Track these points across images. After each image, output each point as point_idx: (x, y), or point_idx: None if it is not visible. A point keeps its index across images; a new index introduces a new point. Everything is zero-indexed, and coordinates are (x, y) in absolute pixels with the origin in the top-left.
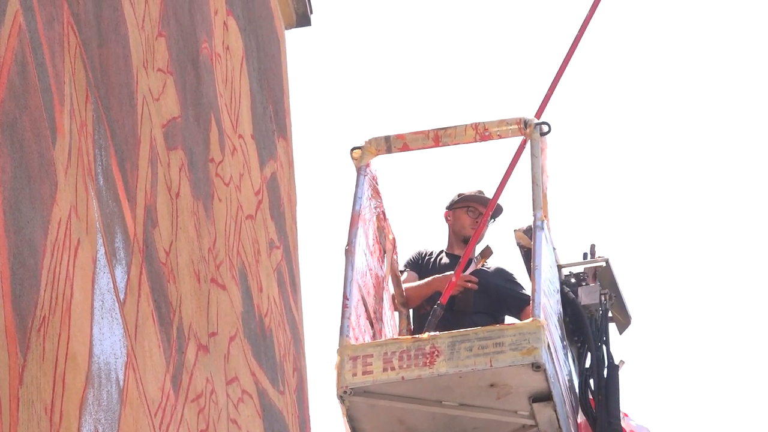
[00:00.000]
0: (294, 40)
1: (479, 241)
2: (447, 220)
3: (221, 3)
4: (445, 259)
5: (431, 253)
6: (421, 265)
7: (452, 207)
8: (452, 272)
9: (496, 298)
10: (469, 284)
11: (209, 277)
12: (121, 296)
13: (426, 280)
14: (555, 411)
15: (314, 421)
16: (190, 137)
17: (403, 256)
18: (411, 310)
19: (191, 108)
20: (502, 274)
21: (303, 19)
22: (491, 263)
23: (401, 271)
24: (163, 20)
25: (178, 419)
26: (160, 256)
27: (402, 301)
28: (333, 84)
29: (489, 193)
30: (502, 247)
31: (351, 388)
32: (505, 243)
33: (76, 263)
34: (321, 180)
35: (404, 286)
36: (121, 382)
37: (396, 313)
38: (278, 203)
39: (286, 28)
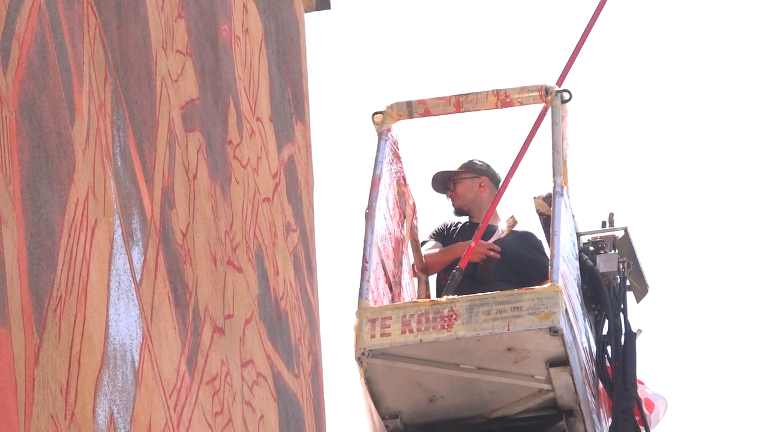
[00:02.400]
0: (313, 23)
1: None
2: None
3: None
4: (470, 229)
5: (456, 224)
6: (445, 236)
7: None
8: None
9: (519, 268)
10: (492, 253)
11: (226, 259)
12: (138, 277)
13: (447, 247)
14: (572, 376)
15: (329, 404)
16: (209, 119)
17: (428, 226)
18: (431, 278)
19: (210, 90)
20: (528, 242)
21: (322, 2)
22: (520, 228)
23: (425, 241)
24: (183, 2)
25: (193, 401)
26: (177, 238)
27: (421, 267)
28: (352, 68)
29: (506, 164)
30: (522, 215)
31: (369, 350)
32: (525, 211)
33: (93, 244)
34: (339, 164)
35: (425, 252)
36: (137, 363)
37: (415, 279)
38: (295, 186)
39: (305, 11)
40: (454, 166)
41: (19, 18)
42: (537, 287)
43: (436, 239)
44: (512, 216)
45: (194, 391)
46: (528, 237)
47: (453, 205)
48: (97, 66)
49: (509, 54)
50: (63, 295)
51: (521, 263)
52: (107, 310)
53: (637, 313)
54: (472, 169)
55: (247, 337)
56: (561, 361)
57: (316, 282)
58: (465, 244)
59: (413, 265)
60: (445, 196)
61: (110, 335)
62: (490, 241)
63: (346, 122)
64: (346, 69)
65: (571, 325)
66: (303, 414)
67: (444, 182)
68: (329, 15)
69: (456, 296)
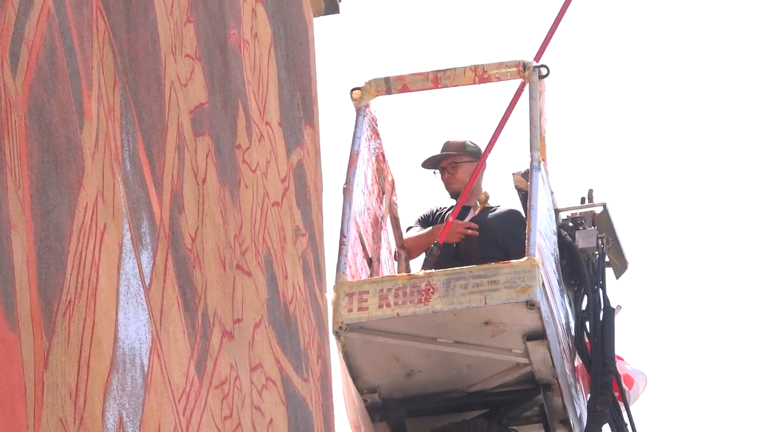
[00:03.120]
0: (322, 27)
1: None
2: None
3: None
4: (448, 212)
5: (441, 209)
6: (431, 222)
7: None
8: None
9: (503, 245)
10: (469, 231)
11: (235, 263)
12: (147, 281)
13: (427, 229)
14: (549, 350)
15: (338, 408)
16: (218, 123)
17: (407, 203)
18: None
19: (219, 94)
20: (510, 220)
21: (331, 6)
22: (504, 206)
23: (410, 227)
24: (192, 6)
25: (202, 405)
26: (186, 242)
27: (401, 244)
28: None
29: (482, 140)
30: (501, 191)
31: (346, 324)
32: (504, 188)
33: (102, 248)
34: None
35: (406, 236)
36: (146, 368)
37: (394, 255)
38: (304, 191)
39: (314, 16)
40: (442, 147)
41: (28, 22)
42: (514, 261)
43: (421, 225)
44: (484, 192)
45: (203, 396)
46: (512, 214)
47: (449, 188)
48: (106, 70)
49: (487, 30)
50: (72, 299)
51: (505, 241)
52: (116, 315)
53: (616, 289)
54: (471, 153)
55: (256, 341)
56: (538, 335)
57: (325, 286)
58: (443, 225)
59: (394, 246)
60: (434, 174)
61: (119, 339)
62: (466, 219)
63: (422, 192)
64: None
65: (548, 299)
66: (312, 418)
67: (437, 163)
68: (338, 19)
69: (433, 270)
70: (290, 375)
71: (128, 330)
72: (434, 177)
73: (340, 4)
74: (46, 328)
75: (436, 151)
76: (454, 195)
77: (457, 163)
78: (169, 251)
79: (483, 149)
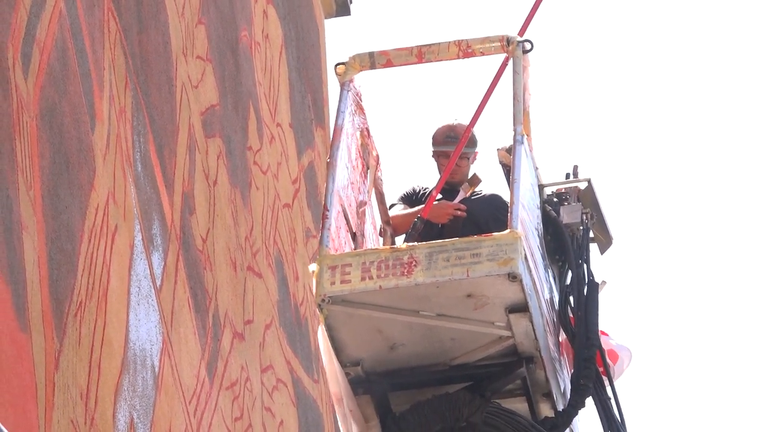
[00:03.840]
0: (333, 29)
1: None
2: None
3: None
4: (438, 194)
5: (425, 188)
6: (414, 200)
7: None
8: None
9: (486, 228)
10: (458, 212)
11: (246, 264)
12: (158, 283)
13: (414, 208)
14: (531, 322)
15: None
16: (229, 125)
17: (392, 178)
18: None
19: (230, 96)
20: (493, 203)
21: (342, 8)
22: (487, 190)
23: (393, 204)
24: (203, 7)
25: (213, 406)
26: (197, 244)
27: (386, 220)
28: (412, 113)
29: (466, 119)
30: (486, 167)
31: (329, 297)
32: (489, 164)
33: (114, 249)
34: None
35: (391, 214)
36: (157, 369)
37: (379, 230)
38: (315, 192)
39: (325, 17)
40: (452, 132)
41: (39, 24)
42: (496, 234)
43: (404, 203)
44: (474, 174)
45: (214, 397)
46: (494, 198)
47: (454, 177)
48: (118, 72)
49: (472, 5)
50: (83, 300)
51: (488, 224)
52: (127, 316)
53: (601, 265)
54: (476, 145)
55: (267, 342)
56: (520, 308)
57: None
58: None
59: (380, 222)
60: (440, 154)
61: (130, 340)
62: (456, 200)
63: (407, 168)
64: (406, 111)
65: (530, 272)
66: (323, 420)
67: (446, 142)
68: (349, 21)
69: (416, 243)
70: (301, 376)
71: (139, 331)
72: (431, 155)
73: (351, 6)
74: (57, 329)
75: (441, 123)
76: (451, 183)
77: (468, 156)
78: (180, 252)
79: (465, 122)
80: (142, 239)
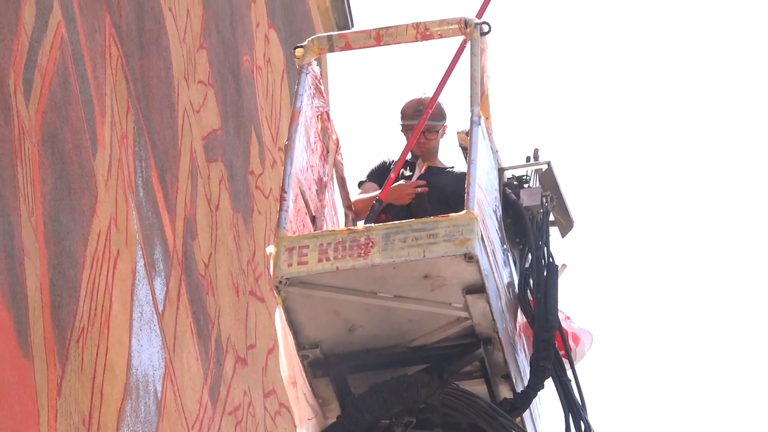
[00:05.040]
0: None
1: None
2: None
3: (263, 15)
4: (407, 172)
5: (393, 161)
6: (382, 178)
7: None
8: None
9: (453, 206)
10: (419, 189)
11: (248, 289)
12: (160, 308)
13: (375, 192)
14: (488, 303)
15: None
16: (231, 150)
17: (352, 161)
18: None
19: (232, 120)
20: (462, 181)
21: (344, 31)
22: (458, 167)
23: (362, 181)
24: (205, 32)
25: (216, 431)
26: (199, 268)
27: (347, 204)
28: (372, 97)
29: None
30: (447, 150)
31: (286, 278)
32: (448, 146)
33: (116, 274)
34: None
35: (353, 198)
36: (159, 394)
37: (340, 213)
38: None
39: None
40: (420, 105)
41: (41, 49)
42: (453, 215)
43: (372, 179)
44: (463, 130)
45: (217, 422)
46: (463, 176)
47: (418, 150)
48: (119, 97)
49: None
50: (85, 326)
51: (456, 201)
52: (130, 341)
53: (562, 248)
54: (445, 118)
55: (269, 367)
56: (477, 288)
57: None
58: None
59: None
60: (402, 126)
61: (133, 366)
62: (413, 178)
63: (369, 152)
64: (368, 96)
65: (487, 254)
66: None
67: (414, 115)
68: None
69: (373, 224)
70: None
71: (141, 356)
72: (399, 126)
73: (352, 29)
74: (59, 354)
75: (410, 97)
76: (415, 157)
77: (438, 130)
78: (182, 277)
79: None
80: (144, 264)
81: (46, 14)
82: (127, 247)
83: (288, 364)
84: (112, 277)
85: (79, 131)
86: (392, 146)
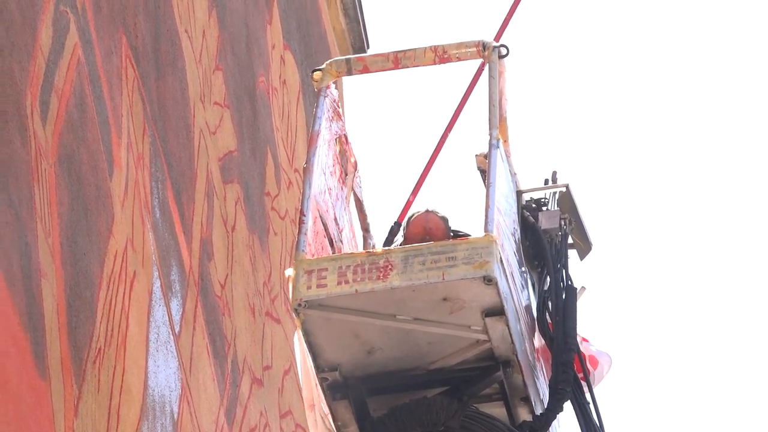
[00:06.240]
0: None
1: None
2: None
3: (278, 37)
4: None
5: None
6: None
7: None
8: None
9: None
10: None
11: (264, 310)
12: (177, 329)
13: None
14: (508, 326)
15: None
16: (247, 171)
17: (379, 195)
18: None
19: (248, 142)
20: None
21: (359, 53)
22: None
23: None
24: (221, 54)
25: None
26: (216, 289)
27: (365, 227)
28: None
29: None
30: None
31: (305, 301)
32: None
33: (132, 295)
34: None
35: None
36: (176, 415)
37: (359, 235)
38: None
39: None
40: (424, 222)
41: (57, 71)
42: (472, 237)
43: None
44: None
45: None
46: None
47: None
48: (136, 118)
49: (447, 10)
50: (102, 347)
51: None
52: (146, 362)
53: (581, 271)
54: (449, 230)
55: (285, 388)
56: (496, 311)
57: None
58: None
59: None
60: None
61: (149, 387)
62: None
63: (385, 172)
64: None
65: (506, 276)
66: None
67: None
68: None
69: (392, 247)
70: None
71: (158, 377)
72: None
73: (368, 51)
74: (76, 375)
75: (413, 210)
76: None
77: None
78: (198, 299)
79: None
80: (161, 285)
81: (63, 36)
82: (144, 268)
83: (306, 387)
84: (128, 298)
85: (96, 152)
86: (408, 172)
